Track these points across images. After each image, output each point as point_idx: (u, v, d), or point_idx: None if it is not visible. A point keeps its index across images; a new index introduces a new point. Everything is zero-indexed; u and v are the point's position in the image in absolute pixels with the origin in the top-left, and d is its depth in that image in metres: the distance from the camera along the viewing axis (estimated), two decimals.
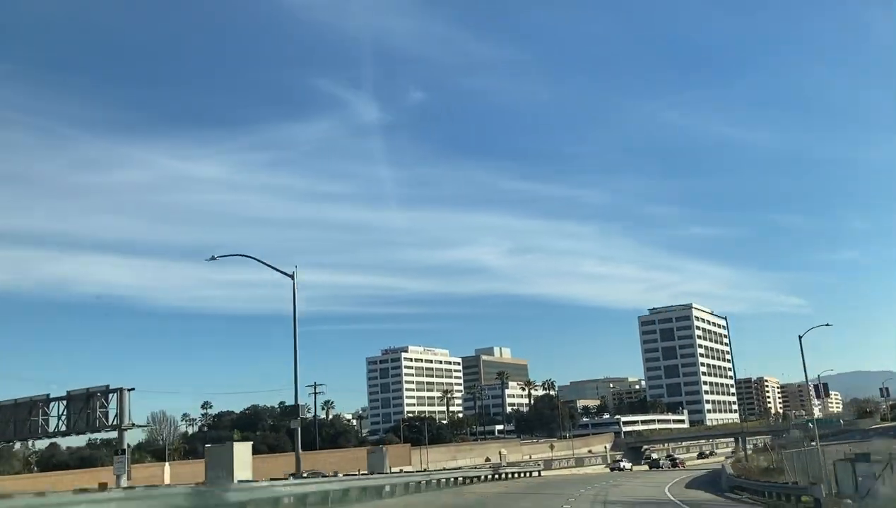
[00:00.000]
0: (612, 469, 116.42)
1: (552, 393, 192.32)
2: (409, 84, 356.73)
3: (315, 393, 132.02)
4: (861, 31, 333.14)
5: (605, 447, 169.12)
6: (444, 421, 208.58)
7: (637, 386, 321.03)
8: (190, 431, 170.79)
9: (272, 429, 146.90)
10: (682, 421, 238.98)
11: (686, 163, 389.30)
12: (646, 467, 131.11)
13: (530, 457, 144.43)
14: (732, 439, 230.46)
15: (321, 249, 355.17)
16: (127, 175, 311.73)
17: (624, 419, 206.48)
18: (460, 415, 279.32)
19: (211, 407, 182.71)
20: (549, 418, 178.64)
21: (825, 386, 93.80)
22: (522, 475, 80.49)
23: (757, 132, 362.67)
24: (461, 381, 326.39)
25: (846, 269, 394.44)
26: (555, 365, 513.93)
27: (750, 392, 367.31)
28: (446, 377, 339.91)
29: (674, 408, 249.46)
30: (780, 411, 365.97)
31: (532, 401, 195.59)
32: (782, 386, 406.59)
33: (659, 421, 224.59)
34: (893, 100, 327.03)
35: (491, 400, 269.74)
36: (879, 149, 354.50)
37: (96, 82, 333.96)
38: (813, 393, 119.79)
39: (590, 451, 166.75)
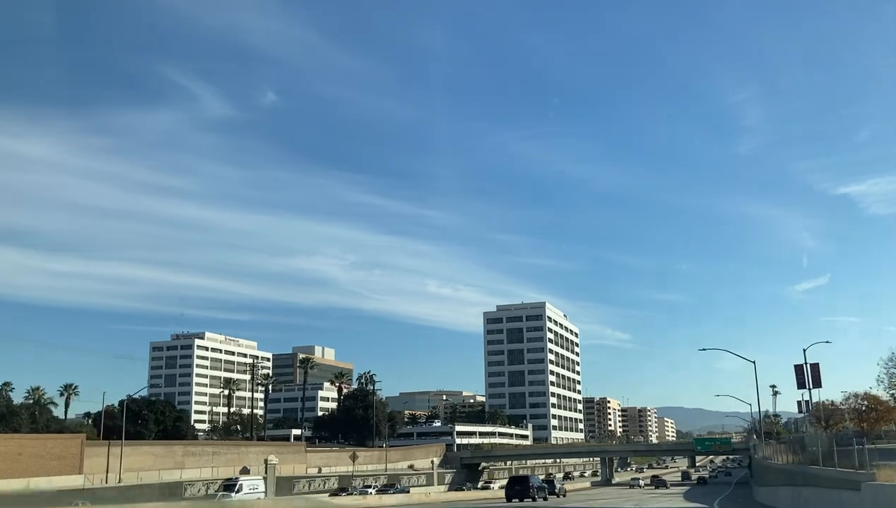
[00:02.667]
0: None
1: (372, 388, 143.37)
2: (264, 84, 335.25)
3: None
4: (698, 88, 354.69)
5: (433, 461, 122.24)
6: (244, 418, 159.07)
7: (473, 400, 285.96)
8: None
9: None
10: (524, 437, 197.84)
11: (534, 194, 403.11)
12: (492, 492, 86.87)
13: (319, 470, 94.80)
14: (581, 460, 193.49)
15: (153, 245, 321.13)
16: None
17: (459, 428, 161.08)
18: (260, 415, 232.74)
19: None
20: (360, 421, 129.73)
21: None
22: None
23: (603, 172, 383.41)
24: (270, 379, 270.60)
25: (670, 310, 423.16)
26: (389, 379, 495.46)
27: (592, 412, 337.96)
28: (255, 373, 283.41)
29: (516, 421, 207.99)
30: (620, 433, 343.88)
31: (342, 399, 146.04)
32: (623, 409, 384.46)
33: (500, 434, 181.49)
34: (724, 153, 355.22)
35: (306, 402, 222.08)
36: (710, 198, 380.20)
37: None
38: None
39: (411, 466, 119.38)
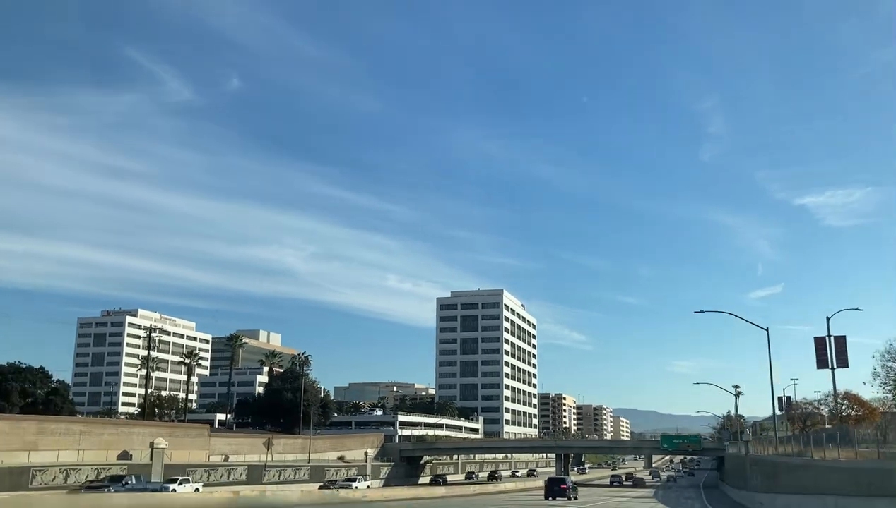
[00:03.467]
0: None
1: (302, 369, 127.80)
2: (228, 70, 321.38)
3: None
4: (664, 93, 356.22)
5: (367, 453, 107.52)
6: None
7: (425, 393, 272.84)
8: None
9: None
10: (475, 430, 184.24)
11: (497, 192, 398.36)
12: (439, 487, 74.02)
13: (225, 458, 79.54)
14: (533, 457, 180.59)
15: (109, 228, 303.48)
16: None
17: (402, 418, 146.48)
18: (193, 400, 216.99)
19: None
20: (288, 405, 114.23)
21: None
22: None
23: (567, 174, 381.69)
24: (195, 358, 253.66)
25: (628, 313, 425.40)
26: (343, 370, 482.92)
27: (547, 408, 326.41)
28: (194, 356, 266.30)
29: (467, 414, 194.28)
30: (575, 430, 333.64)
31: (270, 380, 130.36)
32: (578, 407, 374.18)
33: (448, 426, 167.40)
34: (688, 160, 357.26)
35: (245, 387, 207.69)
36: (672, 204, 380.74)
37: None
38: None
39: (341, 458, 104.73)
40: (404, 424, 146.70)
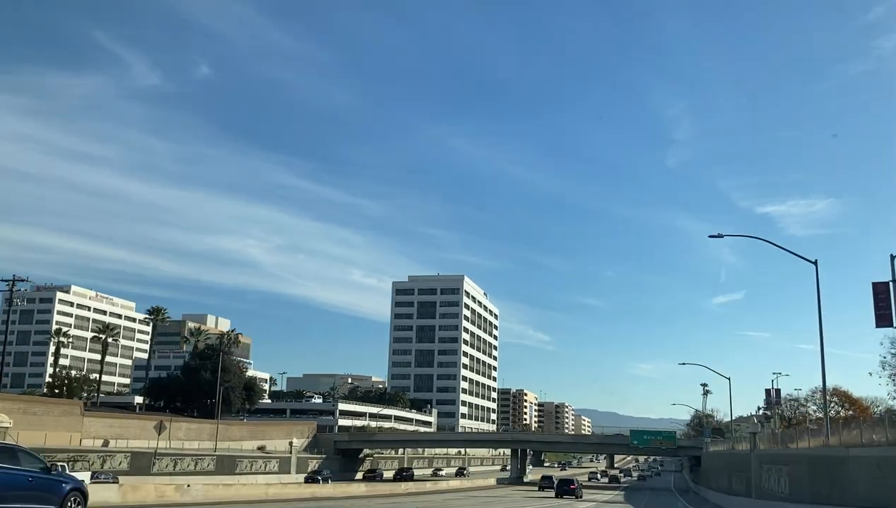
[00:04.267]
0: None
1: (220, 343, 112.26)
2: (198, 57, 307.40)
3: None
4: (634, 97, 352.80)
5: (292, 443, 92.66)
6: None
7: (382, 385, 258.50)
8: None
9: None
10: (427, 424, 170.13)
11: (466, 191, 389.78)
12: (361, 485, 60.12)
13: (105, 444, 64.04)
14: (489, 453, 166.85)
15: (70, 213, 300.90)
16: None
17: (344, 407, 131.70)
18: (127, 384, 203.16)
19: None
20: (207, 387, 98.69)
21: None
22: None
23: (535, 175, 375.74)
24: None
25: (591, 315, 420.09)
26: (300, 363, 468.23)
27: (507, 403, 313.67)
28: (134, 339, 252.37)
29: (420, 406, 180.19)
30: (536, 427, 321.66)
31: (188, 358, 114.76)
32: (540, 404, 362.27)
33: (398, 418, 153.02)
34: (654, 165, 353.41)
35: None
36: (637, 208, 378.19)
37: None
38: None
39: (261, 448, 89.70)
40: (346, 414, 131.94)
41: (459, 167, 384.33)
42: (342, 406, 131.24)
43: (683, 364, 70.57)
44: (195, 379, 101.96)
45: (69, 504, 17.57)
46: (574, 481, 68.94)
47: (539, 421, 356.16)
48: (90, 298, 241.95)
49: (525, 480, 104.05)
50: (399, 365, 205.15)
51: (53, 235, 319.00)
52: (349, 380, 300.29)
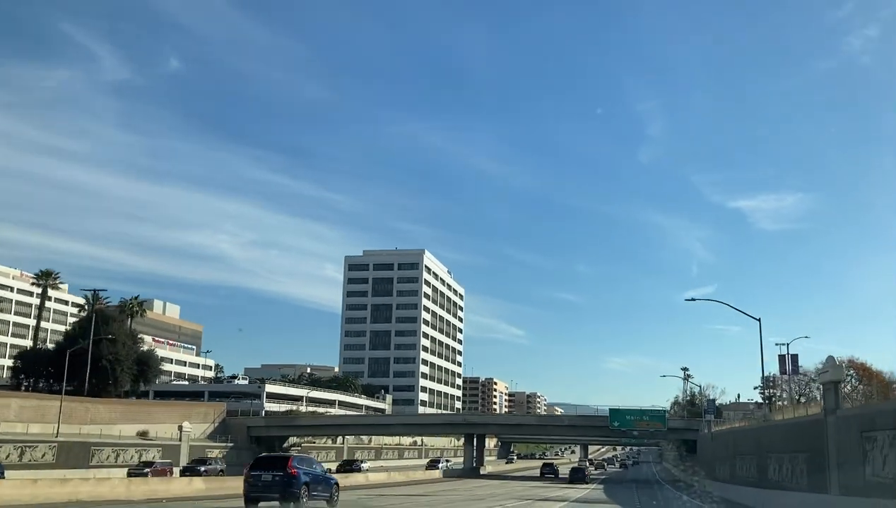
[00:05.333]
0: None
1: (145, 316, 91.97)
2: (168, 50, 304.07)
3: None
4: (608, 93, 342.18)
5: (182, 427, 72.79)
6: None
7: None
8: None
9: None
10: (380, 411, 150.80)
11: (440, 186, 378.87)
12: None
13: None
14: (451, 442, 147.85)
15: (37, 207, 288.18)
16: None
17: (273, 389, 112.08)
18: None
19: None
20: (90, 361, 78.56)
21: None
22: None
23: (509, 171, 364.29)
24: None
25: (564, 309, 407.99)
26: (266, 356, 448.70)
27: (476, 392, 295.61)
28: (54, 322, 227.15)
29: (374, 392, 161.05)
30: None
31: (70, 328, 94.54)
32: (511, 394, 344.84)
33: (343, 404, 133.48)
34: (627, 160, 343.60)
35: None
36: (609, 203, 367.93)
37: None
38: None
39: (142, 434, 69.65)
40: (277, 398, 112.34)
41: (433, 162, 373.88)
42: (271, 388, 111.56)
43: (692, 300, 52.82)
44: (76, 352, 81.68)
45: None
46: (585, 468, 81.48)
47: (510, 411, 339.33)
48: (13, 278, 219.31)
49: (483, 473, 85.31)
50: (352, 348, 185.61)
51: (21, 231, 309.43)
52: (308, 370, 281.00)
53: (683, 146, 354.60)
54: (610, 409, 79.80)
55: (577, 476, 72.91)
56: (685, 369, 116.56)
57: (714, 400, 63.56)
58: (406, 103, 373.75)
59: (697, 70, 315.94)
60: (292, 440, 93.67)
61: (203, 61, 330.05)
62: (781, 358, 73.10)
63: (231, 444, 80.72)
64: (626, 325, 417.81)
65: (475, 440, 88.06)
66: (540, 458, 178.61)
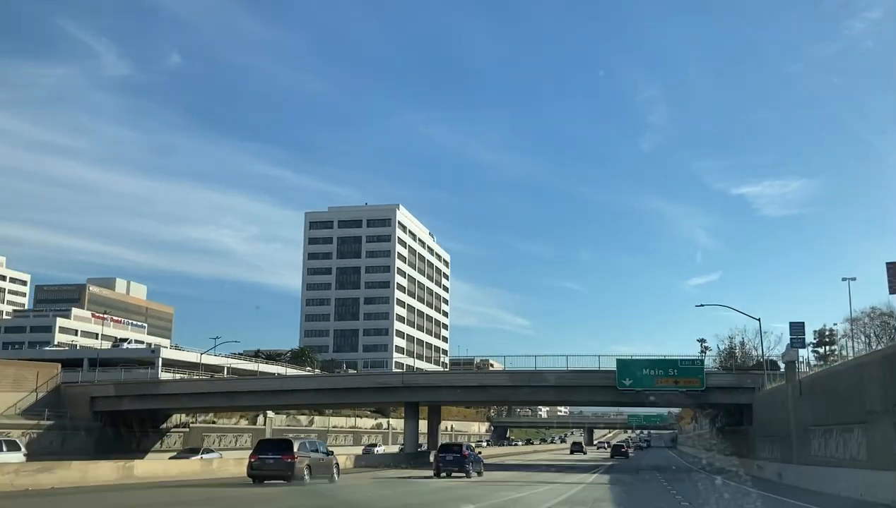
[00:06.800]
0: None
1: None
2: (168, 45, 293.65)
3: None
4: (609, 81, 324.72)
5: None
6: None
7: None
8: None
9: None
10: None
11: (443, 177, 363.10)
12: None
13: None
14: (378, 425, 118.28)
15: (39, 205, 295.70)
16: None
17: (171, 355, 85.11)
18: None
19: None
20: None
21: None
22: None
23: (512, 160, 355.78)
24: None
25: (569, 299, 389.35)
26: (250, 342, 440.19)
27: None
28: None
29: (334, 368, 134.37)
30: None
31: None
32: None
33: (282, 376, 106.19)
34: (629, 148, 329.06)
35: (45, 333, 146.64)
36: (612, 192, 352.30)
37: None
38: None
39: None
40: (181, 367, 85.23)
41: (436, 153, 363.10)
42: (169, 354, 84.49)
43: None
44: None
45: None
46: (625, 445, 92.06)
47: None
48: None
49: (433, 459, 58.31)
50: (314, 319, 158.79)
51: (22, 228, 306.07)
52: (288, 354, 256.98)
53: (685, 133, 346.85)
54: (618, 361, 52.73)
55: (617, 452, 78.74)
56: (702, 340, 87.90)
57: (803, 325, 36.38)
58: (407, 95, 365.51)
59: (698, 57, 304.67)
60: (179, 419, 66.87)
61: (204, 56, 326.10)
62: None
63: (52, 422, 53.95)
64: (631, 313, 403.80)
65: (430, 414, 60.67)
66: (529, 444, 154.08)
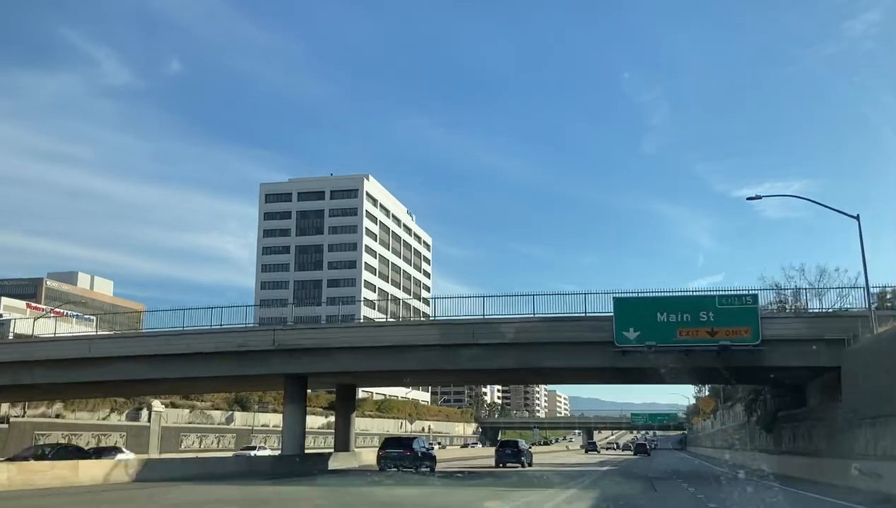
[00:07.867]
0: None
1: None
2: (168, 53, 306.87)
3: None
4: (610, 83, 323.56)
5: None
6: None
7: None
8: None
9: None
10: None
11: (443, 181, 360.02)
12: None
13: None
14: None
15: (42, 214, 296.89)
16: None
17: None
18: None
19: None
20: None
21: None
22: None
23: (513, 164, 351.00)
24: None
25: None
26: None
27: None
28: None
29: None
30: (500, 405, 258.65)
31: None
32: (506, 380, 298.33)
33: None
34: (630, 151, 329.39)
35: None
36: (614, 194, 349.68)
37: None
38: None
39: None
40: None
41: (436, 158, 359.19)
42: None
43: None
44: None
45: None
46: (649, 444, 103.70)
47: (505, 398, 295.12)
48: None
49: (333, 467, 37.88)
50: (270, 304, 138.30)
51: (27, 237, 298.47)
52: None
53: (687, 135, 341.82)
54: (616, 301, 32.10)
55: (641, 450, 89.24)
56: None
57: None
58: (408, 100, 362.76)
59: (699, 60, 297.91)
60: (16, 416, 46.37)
61: (203, 63, 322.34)
62: None
63: None
64: None
65: (340, 398, 40.25)
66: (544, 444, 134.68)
